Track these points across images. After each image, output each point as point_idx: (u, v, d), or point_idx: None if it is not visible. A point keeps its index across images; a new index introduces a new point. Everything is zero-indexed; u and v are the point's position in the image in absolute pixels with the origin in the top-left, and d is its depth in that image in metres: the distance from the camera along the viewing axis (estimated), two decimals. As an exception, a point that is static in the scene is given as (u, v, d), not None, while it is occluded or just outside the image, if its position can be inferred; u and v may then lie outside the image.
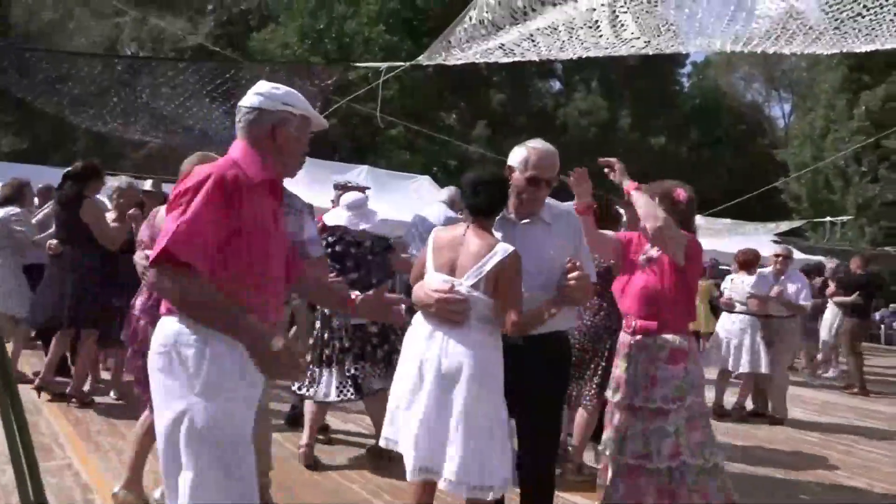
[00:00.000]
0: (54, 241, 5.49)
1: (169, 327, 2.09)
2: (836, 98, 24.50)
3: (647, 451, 3.19)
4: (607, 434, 3.39)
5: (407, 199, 10.86)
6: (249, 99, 2.23)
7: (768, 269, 7.21)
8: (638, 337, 3.33)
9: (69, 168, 5.67)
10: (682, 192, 3.43)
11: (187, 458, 2.03)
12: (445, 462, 2.63)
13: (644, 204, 3.17)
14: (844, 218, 20.40)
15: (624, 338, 3.42)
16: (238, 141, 2.23)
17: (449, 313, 2.71)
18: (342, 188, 5.13)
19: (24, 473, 2.20)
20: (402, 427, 2.77)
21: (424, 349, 2.74)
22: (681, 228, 3.28)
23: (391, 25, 26.70)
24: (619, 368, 3.40)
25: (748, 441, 5.96)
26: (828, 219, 18.34)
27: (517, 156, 2.94)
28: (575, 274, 2.74)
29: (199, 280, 1.99)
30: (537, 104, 32.36)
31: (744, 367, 6.80)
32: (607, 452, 3.36)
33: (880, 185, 22.83)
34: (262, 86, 2.27)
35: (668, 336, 3.26)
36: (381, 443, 2.89)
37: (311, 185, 10.69)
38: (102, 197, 5.93)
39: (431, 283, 2.80)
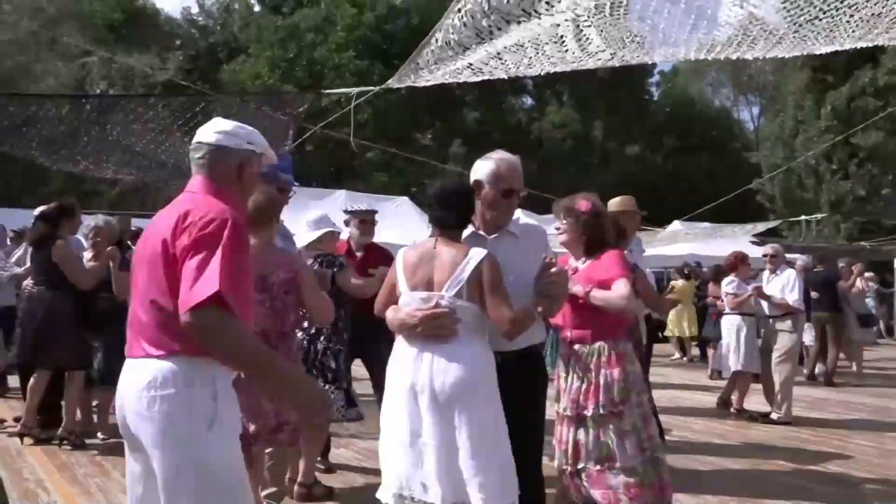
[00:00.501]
0: (29, 283, 5.48)
1: (169, 368, 1.97)
2: (804, 99, 24.93)
3: (610, 454, 3.20)
4: (559, 447, 3.36)
5: (387, 222, 10.85)
6: (212, 136, 2.20)
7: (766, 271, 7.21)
8: (575, 346, 3.35)
9: (42, 209, 5.64)
10: (583, 203, 3.40)
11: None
12: (475, 490, 2.55)
13: (603, 299, 3.21)
14: (819, 216, 20.68)
15: (562, 349, 3.42)
16: (199, 178, 2.18)
17: (437, 329, 2.63)
18: (351, 213, 5.03)
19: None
20: (410, 470, 2.63)
21: (413, 374, 2.65)
22: (585, 236, 3.38)
23: (361, 51, 26.88)
24: (560, 379, 3.40)
25: (744, 440, 6.00)
26: (803, 217, 18.58)
27: (485, 169, 2.87)
28: (553, 269, 2.73)
29: (240, 323, 1.94)
30: (511, 120, 32.58)
31: (735, 367, 6.90)
32: (564, 466, 3.31)
33: (851, 181, 23.20)
34: (224, 123, 2.26)
35: (603, 342, 3.29)
36: (391, 501, 2.69)
37: (289, 210, 10.71)
38: (79, 236, 5.88)
39: (410, 302, 2.73)
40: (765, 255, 7.19)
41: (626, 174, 31.00)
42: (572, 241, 3.44)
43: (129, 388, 2.03)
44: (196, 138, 2.25)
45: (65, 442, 5.26)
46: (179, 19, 32.83)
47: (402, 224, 11.78)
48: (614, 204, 4.82)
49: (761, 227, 17.52)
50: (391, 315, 2.80)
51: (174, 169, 7.44)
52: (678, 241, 14.74)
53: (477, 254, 2.68)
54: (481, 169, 2.88)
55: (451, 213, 2.76)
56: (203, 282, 1.90)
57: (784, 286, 6.82)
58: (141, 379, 1.99)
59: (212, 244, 1.95)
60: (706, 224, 16.02)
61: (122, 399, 2.05)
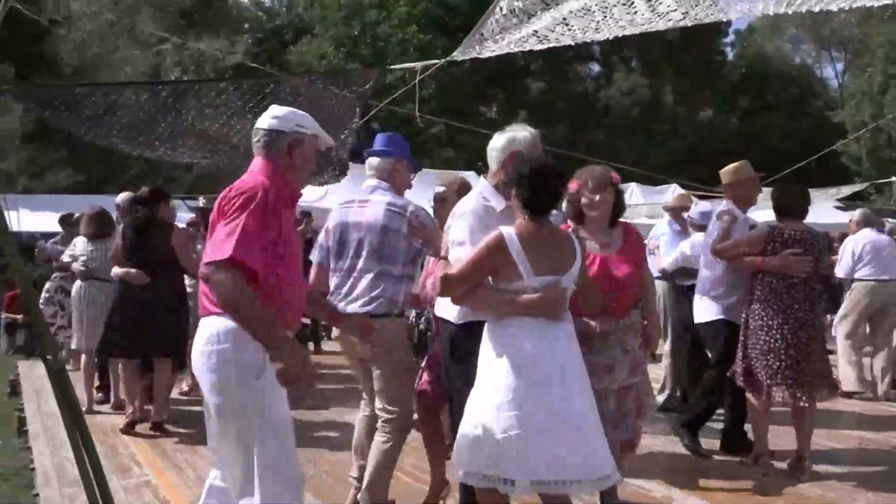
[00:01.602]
0: (133, 270, 5.24)
1: (223, 324, 2.28)
2: (894, 51, 23.42)
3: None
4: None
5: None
6: (267, 122, 2.48)
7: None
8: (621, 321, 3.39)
9: (127, 194, 5.65)
10: (615, 176, 3.44)
11: (253, 450, 2.26)
12: (608, 460, 2.70)
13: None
14: (910, 175, 19.45)
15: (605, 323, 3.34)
16: (258, 159, 2.47)
17: (558, 312, 2.74)
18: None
19: (97, 501, 2.26)
20: (555, 452, 2.58)
21: (551, 353, 2.67)
22: (575, 217, 3.43)
23: (424, 25, 26.75)
24: (599, 355, 3.32)
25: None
26: (893, 178, 17.51)
27: (525, 140, 3.03)
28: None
29: (246, 284, 2.19)
30: (577, 88, 31.91)
31: None
32: None
33: (947, 137, 21.76)
34: (278, 109, 2.53)
35: (631, 313, 3.43)
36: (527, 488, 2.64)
37: (354, 190, 10.83)
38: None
39: (537, 286, 2.69)
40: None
41: (699, 139, 29.97)
42: (605, 214, 3.40)
43: (196, 343, 2.37)
44: (256, 125, 2.52)
45: (160, 428, 5.25)
46: (247, 2, 33.46)
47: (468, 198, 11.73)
48: (735, 172, 4.65)
49: (847, 190, 16.61)
50: (491, 298, 2.73)
51: (246, 151, 7.56)
52: (755, 209, 14.16)
53: (576, 240, 2.88)
54: (521, 140, 2.99)
55: (550, 196, 2.80)
56: (220, 245, 2.21)
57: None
58: (202, 334, 2.34)
59: (237, 213, 2.25)
60: (789, 189, 15.26)
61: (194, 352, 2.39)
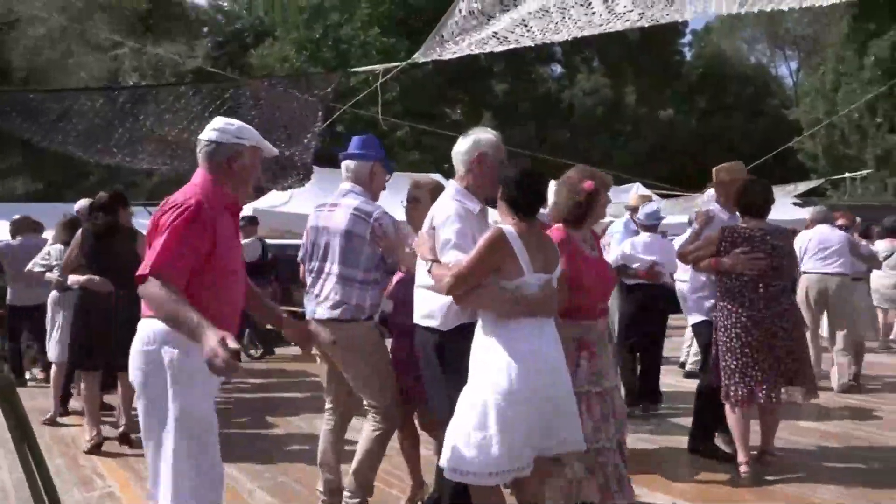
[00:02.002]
0: (96, 278, 5.01)
1: (152, 326, 2.41)
2: (844, 50, 24.06)
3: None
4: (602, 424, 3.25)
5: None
6: (207, 133, 2.55)
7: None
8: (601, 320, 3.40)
9: (86, 201, 5.46)
10: (589, 184, 3.32)
11: (166, 447, 2.36)
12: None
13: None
14: (864, 172, 19.98)
15: (601, 325, 3.36)
16: (199, 170, 2.55)
17: (554, 310, 2.83)
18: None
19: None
20: (547, 432, 2.72)
21: (548, 351, 2.74)
22: (578, 219, 3.35)
23: (386, 27, 26.72)
24: (601, 357, 3.30)
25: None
26: (847, 175, 17.96)
27: (489, 141, 3.04)
28: None
29: (172, 291, 2.29)
30: (541, 89, 32.15)
31: None
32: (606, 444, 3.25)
33: (898, 133, 22.42)
34: (217, 121, 2.59)
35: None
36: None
37: (320, 193, 10.76)
38: None
39: (532, 284, 2.73)
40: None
41: (660, 138, 30.43)
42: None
43: (133, 344, 2.48)
44: (199, 136, 2.61)
45: (127, 440, 5.04)
46: (205, 5, 33.04)
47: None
48: (728, 171, 4.62)
49: (803, 186, 16.99)
50: (501, 295, 2.72)
51: (206, 156, 7.50)
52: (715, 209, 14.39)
53: (552, 239, 2.97)
54: (486, 142, 3.02)
55: (538, 198, 2.86)
56: (148, 259, 2.35)
57: None
58: (138, 335, 2.46)
59: (165, 228, 2.37)
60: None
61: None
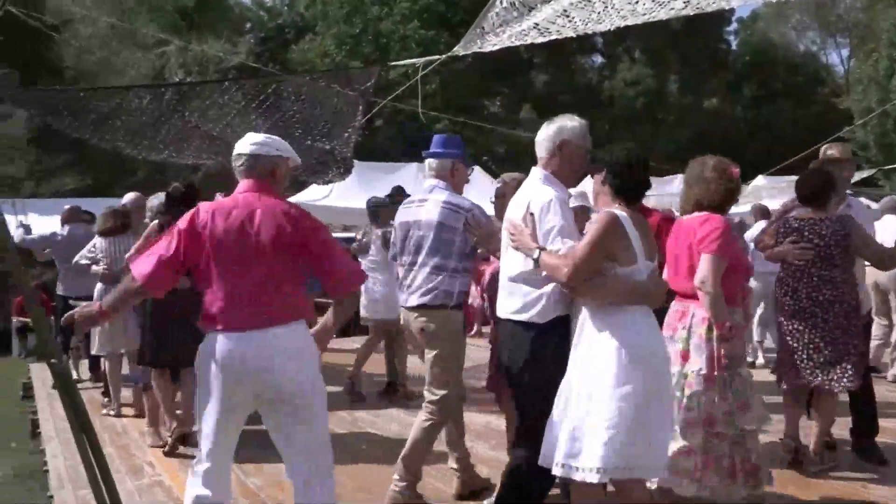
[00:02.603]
0: None
1: (294, 335, 2.70)
2: (898, 36, 23.21)
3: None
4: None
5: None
6: (247, 147, 2.78)
7: None
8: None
9: (168, 192, 5.06)
10: (736, 170, 3.42)
11: (323, 444, 2.76)
12: None
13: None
14: (918, 161, 19.27)
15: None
16: (248, 181, 2.78)
17: (661, 299, 2.86)
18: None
19: (103, 498, 2.28)
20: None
21: (659, 340, 2.76)
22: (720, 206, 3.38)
23: (426, 20, 26.69)
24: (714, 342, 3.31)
25: None
26: (901, 164, 17.35)
27: (573, 128, 2.94)
28: None
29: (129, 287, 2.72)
30: (581, 80, 31.80)
31: None
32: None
33: (955, 121, 21.55)
34: (256, 137, 2.83)
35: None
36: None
37: (360, 187, 10.83)
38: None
39: (644, 271, 2.69)
40: None
41: (704, 128, 29.82)
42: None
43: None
44: (235, 150, 2.82)
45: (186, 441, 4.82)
46: (248, 2, 33.48)
47: (472, 192, 11.72)
48: (838, 150, 4.60)
49: (855, 176, 16.48)
50: (620, 283, 2.65)
51: (250, 151, 7.60)
52: (762, 198, 14.06)
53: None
54: (570, 129, 2.91)
55: (645, 183, 2.83)
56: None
57: None
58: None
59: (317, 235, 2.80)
60: (794, 177, 15.14)
61: None
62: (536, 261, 2.70)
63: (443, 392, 3.55)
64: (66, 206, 7.71)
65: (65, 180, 18.70)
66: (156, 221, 5.03)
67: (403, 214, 3.77)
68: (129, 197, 6.25)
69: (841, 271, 4.06)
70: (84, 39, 20.41)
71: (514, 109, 28.18)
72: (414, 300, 3.59)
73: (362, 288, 6.09)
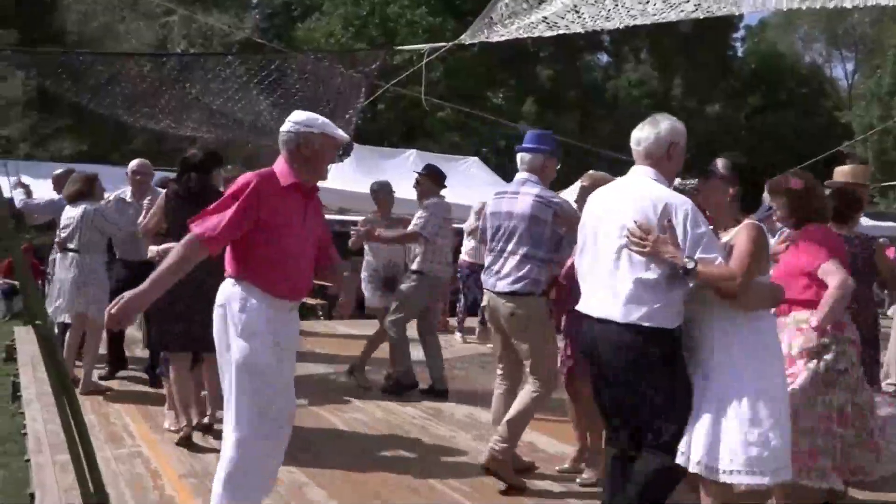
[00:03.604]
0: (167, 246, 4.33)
1: (223, 287, 2.90)
2: (905, 53, 23.24)
3: None
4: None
5: (455, 182, 10.80)
6: (284, 125, 2.95)
7: None
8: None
9: (185, 157, 4.69)
10: (795, 182, 3.47)
11: (229, 393, 2.82)
12: None
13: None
14: (916, 180, 19.36)
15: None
16: (280, 156, 2.96)
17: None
18: None
19: (83, 469, 2.26)
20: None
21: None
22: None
23: (433, 7, 26.54)
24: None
25: None
26: (898, 182, 17.43)
27: (679, 130, 2.86)
28: None
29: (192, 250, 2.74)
30: (587, 78, 31.74)
31: None
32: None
33: (955, 142, 21.61)
34: (294, 115, 2.96)
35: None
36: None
37: (357, 170, 10.80)
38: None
39: (766, 278, 2.86)
40: None
41: (707, 134, 29.82)
42: (782, 218, 3.53)
43: None
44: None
45: (210, 429, 4.50)
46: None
47: (471, 184, 11.72)
48: (844, 174, 4.58)
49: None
50: (770, 291, 2.83)
51: (250, 126, 7.57)
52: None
53: None
54: (680, 131, 2.86)
55: (761, 193, 3.00)
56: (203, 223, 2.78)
57: None
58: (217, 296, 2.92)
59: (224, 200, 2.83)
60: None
61: None
62: (689, 271, 2.63)
63: (542, 374, 3.84)
64: (58, 171, 6.99)
65: (62, 144, 18.55)
66: (168, 189, 4.70)
67: (496, 204, 4.01)
68: (137, 162, 5.96)
69: (865, 288, 4.09)
70: (88, 4, 20.19)
71: (518, 102, 28.09)
72: (505, 285, 3.85)
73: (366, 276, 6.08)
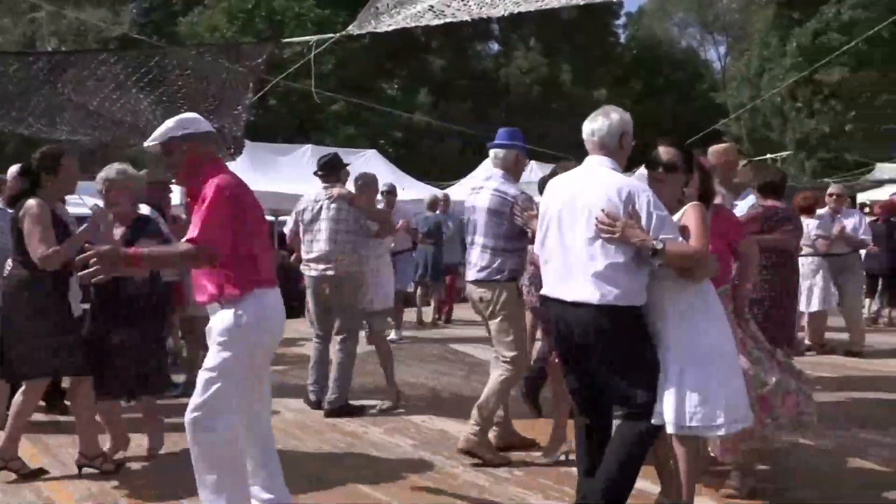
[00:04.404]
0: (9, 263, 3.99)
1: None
2: (769, 37, 24.90)
3: None
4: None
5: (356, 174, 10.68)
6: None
7: (825, 210, 7.62)
8: None
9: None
10: (705, 160, 3.77)
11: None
12: None
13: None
14: (784, 154, 20.89)
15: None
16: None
17: None
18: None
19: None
20: None
21: None
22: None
23: (322, -1, 26.12)
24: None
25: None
26: (768, 156, 18.74)
27: (629, 120, 3.10)
28: None
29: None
30: (478, 67, 32.13)
31: (816, 306, 7.18)
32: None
33: (816, 118, 23.41)
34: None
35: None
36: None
37: (252, 168, 10.49)
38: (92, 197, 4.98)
39: None
40: (831, 195, 7.80)
41: (595, 119, 30.88)
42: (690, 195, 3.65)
43: None
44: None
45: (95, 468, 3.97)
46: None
47: (378, 175, 11.61)
48: (717, 153, 4.68)
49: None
50: (714, 263, 3.15)
51: (131, 127, 7.19)
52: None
53: None
54: (628, 121, 3.08)
55: None
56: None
57: (856, 224, 7.57)
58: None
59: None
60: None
61: None
62: (657, 252, 2.81)
63: (513, 353, 4.05)
64: None
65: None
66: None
67: (469, 199, 4.29)
68: (12, 171, 4.91)
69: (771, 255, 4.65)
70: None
71: (411, 93, 28.10)
72: (473, 275, 4.14)
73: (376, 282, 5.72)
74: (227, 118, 6.54)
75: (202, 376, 2.97)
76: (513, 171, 4.19)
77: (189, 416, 2.93)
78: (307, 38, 6.13)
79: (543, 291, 3.09)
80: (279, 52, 15.28)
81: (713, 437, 3.09)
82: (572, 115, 31.45)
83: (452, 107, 27.43)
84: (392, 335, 7.86)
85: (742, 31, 32.83)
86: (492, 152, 4.23)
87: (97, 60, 6.80)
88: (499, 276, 4.05)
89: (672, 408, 2.88)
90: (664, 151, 3.09)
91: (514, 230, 4.03)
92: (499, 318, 4.07)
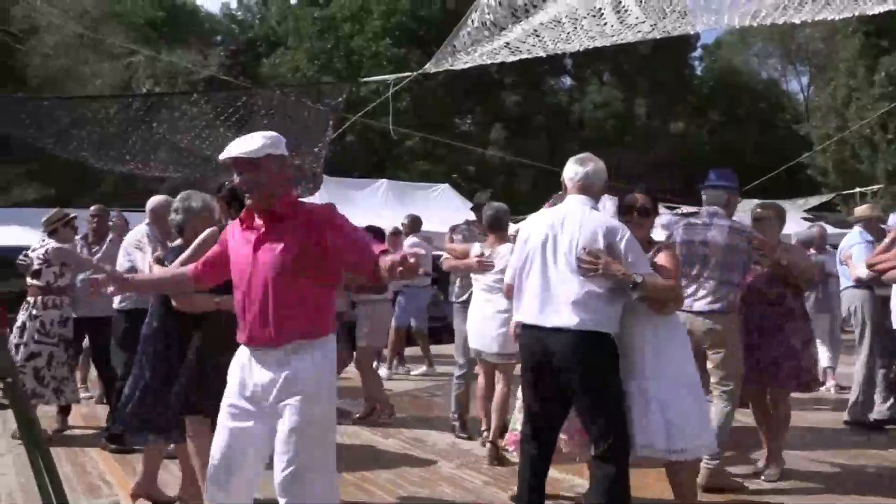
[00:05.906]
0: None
1: None
2: (856, 66, 23.93)
3: None
4: None
5: (429, 209, 10.84)
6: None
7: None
8: None
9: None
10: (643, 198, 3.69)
11: None
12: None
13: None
14: (875, 187, 19.88)
15: None
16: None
17: None
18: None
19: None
20: None
21: None
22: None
23: (398, 38, 26.85)
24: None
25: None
26: (857, 189, 17.87)
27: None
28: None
29: None
30: (551, 101, 32.16)
31: None
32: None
33: (909, 149, 22.23)
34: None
35: None
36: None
37: (329, 201, 10.75)
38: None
39: None
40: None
41: (671, 152, 30.37)
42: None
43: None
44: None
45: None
46: (219, 15, 33.32)
47: (443, 211, 11.78)
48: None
49: (814, 201, 16.90)
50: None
51: (218, 164, 7.54)
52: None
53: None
54: (603, 169, 3.38)
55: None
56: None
57: None
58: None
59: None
60: (756, 201, 15.50)
61: None
62: (637, 285, 3.07)
63: (734, 384, 4.19)
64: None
65: (26, 191, 18.27)
66: (208, 230, 3.89)
67: (685, 234, 4.33)
68: (158, 200, 5.17)
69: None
70: (50, 48, 20.05)
71: (485, 129, 28.37)
72: (702, 306, 4.19)
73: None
74: (309, 156, 6.78)
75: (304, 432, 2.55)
76: (727, 210, 4.35)
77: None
78: (386, 77, 6.32)
79: (520, 318, 3.29)
80: (357, 91, 15.75)
81: (705, 455, 3.61)
82: (648, 148, 31.20)
83: (526, 142, 27.50)
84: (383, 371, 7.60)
85: (827, 60, 31.69)
86: (704, 193, 4.42)
87: (189, 101, 7.20)
88: (730, 309, 4.21)
89: (664, 437, 3.13)
90: (641, 199, 3.43)
91: (749, 265, 4.31)
92: (725, 350, 4.18)
